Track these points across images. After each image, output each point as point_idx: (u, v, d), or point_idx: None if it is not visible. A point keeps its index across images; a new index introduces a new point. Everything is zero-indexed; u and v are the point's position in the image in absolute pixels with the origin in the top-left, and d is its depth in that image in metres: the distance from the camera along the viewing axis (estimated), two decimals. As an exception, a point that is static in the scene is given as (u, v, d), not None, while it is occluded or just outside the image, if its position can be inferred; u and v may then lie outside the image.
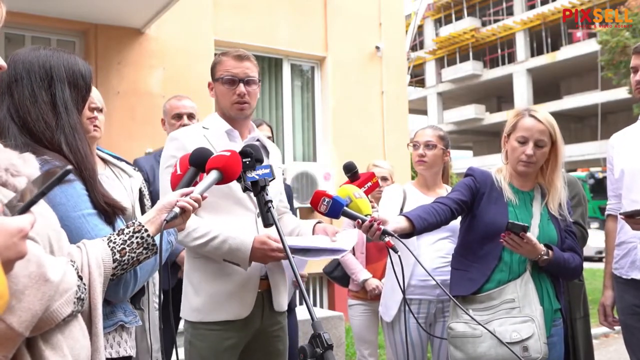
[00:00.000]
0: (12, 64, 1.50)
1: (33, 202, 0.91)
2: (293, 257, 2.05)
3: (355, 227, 2.07)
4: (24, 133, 1.46)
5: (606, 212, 2.86)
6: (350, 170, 2.29)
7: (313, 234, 2.23)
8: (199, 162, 1.69)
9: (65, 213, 1.37)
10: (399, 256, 1.98)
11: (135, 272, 1.48)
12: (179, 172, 1.70)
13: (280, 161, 2.43)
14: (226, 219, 2.11)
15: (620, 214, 2.43)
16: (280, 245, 1.99)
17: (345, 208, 2.04)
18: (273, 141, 3.23)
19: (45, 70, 1.51)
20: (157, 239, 1.40)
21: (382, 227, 2.00)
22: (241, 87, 2.19)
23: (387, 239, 2.01)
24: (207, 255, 2.09)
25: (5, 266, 0.83)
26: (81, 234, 1.38)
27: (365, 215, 2.05)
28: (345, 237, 2.10)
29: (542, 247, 2.26)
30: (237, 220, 2.13)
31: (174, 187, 1.66)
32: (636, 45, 2.67)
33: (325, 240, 2.09)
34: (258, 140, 2.31)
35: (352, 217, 2.06)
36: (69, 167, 0.94)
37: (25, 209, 0.89)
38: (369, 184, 2.27)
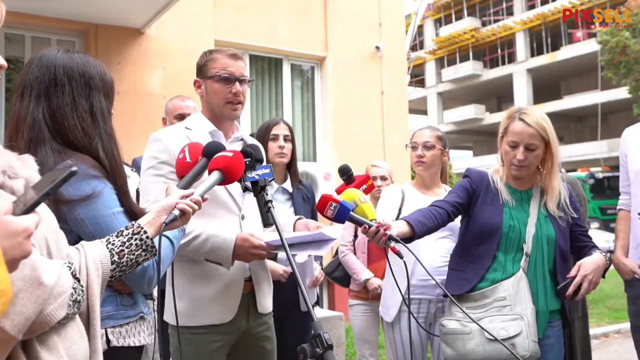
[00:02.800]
0: (50, 67, 1.53)
1: (38, 202, 0.91)
2: (277, 253, 2.03)
3: (361, 232, 2.07)
4: (57, 138, 1.50)
5: (618, 207, 2.85)
6: (346, 173, 2.28)
7: (294, 230, 2.20)
8: (212, 154, 1.70)
9: (97, 211, 1.46)
10: (404, 262, 1.99)
11: (158, 265, 1.50)
12: (188, 159, 1.68)
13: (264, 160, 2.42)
14: (210, 222, 2.05)
15: (639, 213, 2.42)
16: (262, 243, 1.97)
17: (351, 213, 2.03)
18: (292, 141, 3.21)
19: (85, 80, 1.56)
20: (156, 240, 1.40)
21: (388, 232, 2.00)
22: (237, 86, 2.15)
23: (392, 244, 2.01)
24: (189, 255, 2.03)
25: (10, 265, 0.83)
26: (113, 230, 1.43)
27: (371, 220, 2.04)
28: (328, 229, 2.05)
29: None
30: (220, 223, 2.08)
31: (180, 174, 1.65)
32: None
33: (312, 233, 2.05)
34: (242, 139, 2.28)
35: (359, 223, 2.05)
36: (74, 168, 0.95)
37: (29, 209, 0.90)
38: (365, 186, 2.26)
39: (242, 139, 2.28)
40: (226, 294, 2.07)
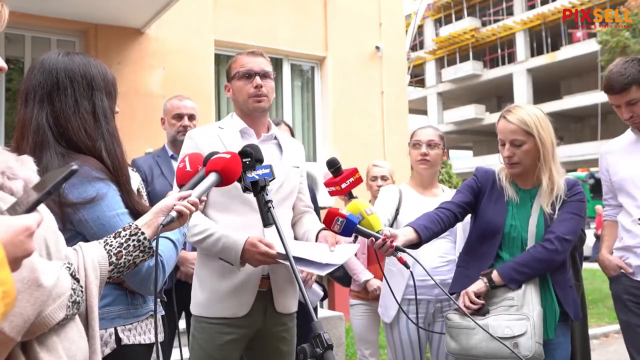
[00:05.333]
0: (52, 71, 1.55)
1: (39, 201, 0.91)
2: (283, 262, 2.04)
3: (368, 244, 2.10)
4: (61, 141, 1.52)
5: (604, 219, 2.97)
6: (334, 166, 2.29)
7: (316, 239, 2.23)
8: None
9: (101, 213, 1.48)
10: (411, 272, 2.05)
11: (163, 267, 1.53)
12: (188, 168, 1.69)
13: (300, 160, 2.42)
14: (233, 218, 2.13)
15: (633, 220, 2.46)
16: (269, 250, 2.00)
17: (358, 226, 2.06)
18: None
19: (87, 81, 1.58)
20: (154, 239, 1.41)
21: (394, 244, 2.05)
22: (257, 80, 2.21)
23: (399, 254, 2.05)
24: (205, 252, 2.13)
25: (12, 264, 0.83)
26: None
27: (378, 232, 2.08)
28: (343, 250, 2.10)
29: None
30: (244, 220, 2.13)
31: (180, 182, 1.67)
32: (605, 86, 2.71)
33: (323, 249, 2.09)
34: (276, 138, 2.33)
35: (366, 235, 2.08)
36: (75, 167, 0.95)
37: (31, 208, 0.90)
38: (352, 179, 2.26)
39: (275, 138, 2.33)
40: (242, 289, 2.11)
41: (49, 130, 1.51)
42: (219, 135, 2.19)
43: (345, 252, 2.10)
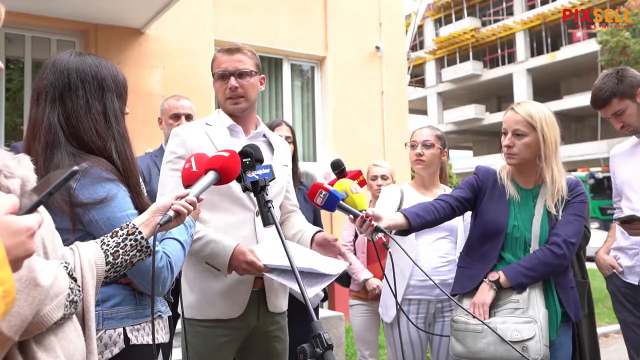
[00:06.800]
0: (64, 71, 1.56)
1: (40, 201, 0.91)
2: (269, 276, 1.98)
3: (349, 221, 2.07)
4: (72, 141, 1.53)
5: (614, 220, 2.97)
6: (338, 168, 2.29)
7: (311, 243, 2.19)
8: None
9: (111, 213, 1.49)
10: (389, 253, 2.02)
11: (172, 268, 1.53)
12: (194, 169, 1.67)
13: (288, 158, 2.39)
14: (224, 218, 2.08)
15: (615, 219, 2.49)
16: (256, 261, 1.95)
17: (340, 202, 2.05)
18: (294, 142, 3.19)
19: (98, 82, 1.59)
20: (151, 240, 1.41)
21: (374, 223, 2.01)
22: (232, 81, 2.13)
23: (379, 235, 2.02)
24: (191, 254, 2.04)
25: (13, 265, 0.83)
26: None
27: (360, 211, 2.05)
28: (335, 263, 2.06)
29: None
30: (235, 219, 2.10)
31: (186, 183, 1.65)
32: (590, 102, 2.75)
33: (317, 259, 2.04)
34: (264, 135, 2.28)
35: (347, 212, 2.07)
36: (76, 167, 0.96)
37: (32, 209, 0.90)
38: (356, 181, 2.26)
39: (264, 135, 2.28)
40: (235, 289, 2.08)
41: (60, 130, 1.52)
42: (207, 132, 2.13)
43: (337, 265, 2.04)
